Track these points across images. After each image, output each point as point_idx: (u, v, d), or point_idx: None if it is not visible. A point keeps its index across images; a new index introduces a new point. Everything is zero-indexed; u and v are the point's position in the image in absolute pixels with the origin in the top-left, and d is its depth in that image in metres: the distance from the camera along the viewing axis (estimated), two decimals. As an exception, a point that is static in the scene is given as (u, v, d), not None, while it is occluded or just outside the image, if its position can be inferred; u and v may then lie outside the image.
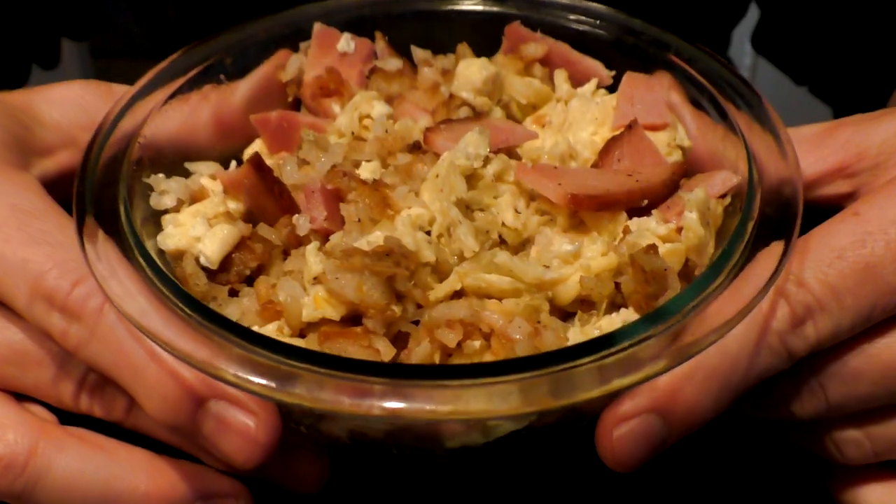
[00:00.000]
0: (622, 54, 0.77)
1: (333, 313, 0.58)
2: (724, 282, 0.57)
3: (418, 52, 0.79)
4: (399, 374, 0.51)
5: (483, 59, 0.76)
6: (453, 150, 0.65)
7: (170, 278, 0.57)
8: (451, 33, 0.81)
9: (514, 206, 0.66)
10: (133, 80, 0.72)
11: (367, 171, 0.68)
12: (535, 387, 0.51)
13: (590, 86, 0.76)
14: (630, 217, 0.65)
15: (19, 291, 0.61)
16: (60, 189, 0.69)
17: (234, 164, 0.74)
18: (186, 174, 0.71)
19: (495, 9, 0.80)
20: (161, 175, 0.68)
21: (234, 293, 0.64)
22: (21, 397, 0.65)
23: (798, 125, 0.71)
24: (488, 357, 0.58)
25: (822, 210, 0.69)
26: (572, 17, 0.78)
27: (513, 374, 0.51)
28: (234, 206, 0.67)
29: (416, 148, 0.69)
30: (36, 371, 0.64)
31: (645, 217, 0.64)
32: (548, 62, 0.79)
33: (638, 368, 0.52)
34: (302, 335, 0.61)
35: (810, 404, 0.63)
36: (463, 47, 0.79)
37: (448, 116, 0.73)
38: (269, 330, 0.60)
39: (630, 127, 0.69)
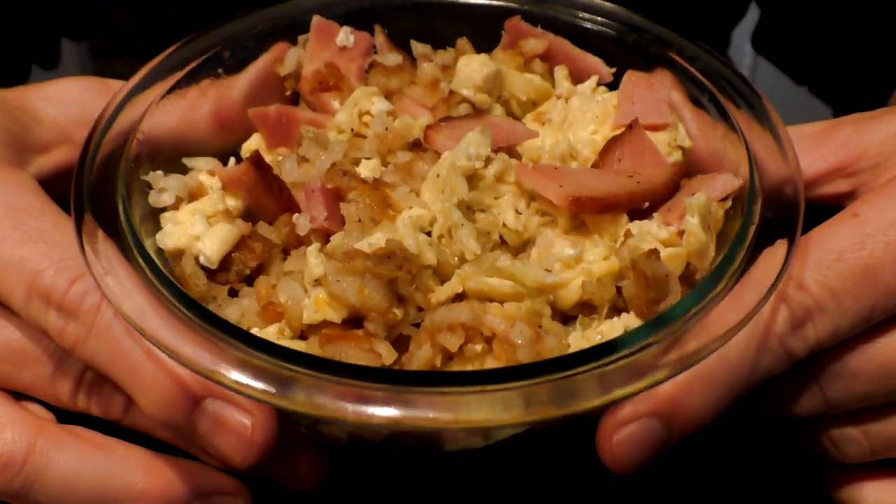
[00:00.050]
0: (623, 51, 0.76)
1: (335, 316, 0.58)
2: (726, 287, 0.57)
3: (418, 47, 0.79)
4: (400, 380, 0.51)
5: (483, 56, 0.75)
6: (454, 150, 0.65)
7: (169, 279, 0.57)
8: (450, 26, 0.80)
9: (515, 206, 0.65)
10: (133, 80, 0.72)
11: (367, 168, 0.68)
12: (537, 395, 0.51)
13: (590, 83, 0.76)
14: (631, 218, 0.65)
15: (16, 290, 0.61)
16: (57, 186, 0.69)
17: (232, 160, 0.73)
18: (184, 170, 0.71)
19: (496, 2, 0.79)
20: (159, 172, 0.68)
21: (233, 293, 0.64)
22: (19, 396, 0.65)
23: (798, 125, 0.71)
24: (490, 361, 0.58)
25: (822, 209, 0.69)
26: (573, 12, 0.78)
27: (515, 382, 0.51)
28: (232, 203, 0.67)
29: (416, 146, 0.68)
30: (33, 369, 0.64)
31: (646, 220, 0.64)
32: (548, 58, 0.78)
33: (640, 377, 0.52)
34: (303, 337, 0.61)
35: (808, 402, 0.63)
36: (463, 42, 0.79)
37: (448, 113, 0.72)
38: (270, 332, 0.59)
39: (630, 127, 0.69)
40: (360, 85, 0.75)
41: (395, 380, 0.51)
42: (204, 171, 0.70)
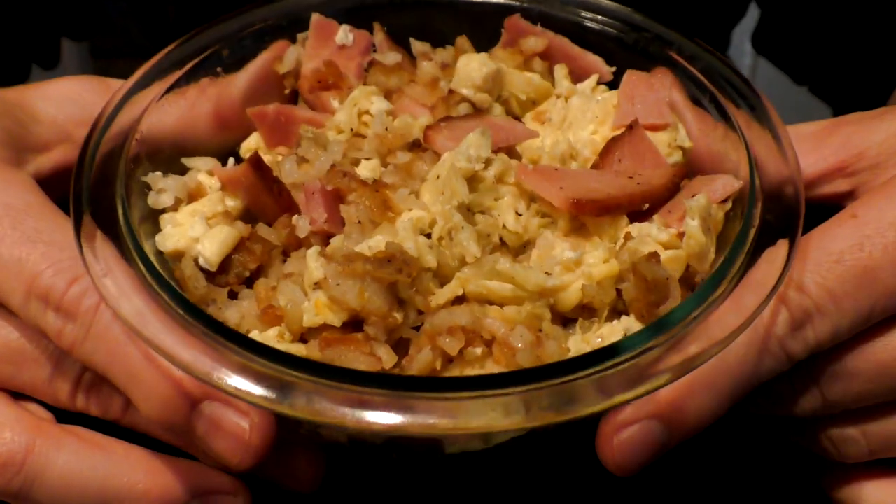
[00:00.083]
0: (624, 50, 0.76)
1: (335, 319, 0.58)
2: (726, 291, 0.57)
3: (417, 45, 0.79)
4: (400, 385, 0.51)
5: (483, 55, 0.75)
6: (454, 151, 0.65)
7: (167, 282, 0.57)
8: (450, 24, 0.80)
9: (515, 207, 0.65)
10: (133, 80, 0.71)
11: (366, 169, 0.67)
12: (538, 400, 0.51)
13: (590, 82, 0.76)
14: (631, 219, 0.65)
15: (15, 290, 0.61)
16: (57, 186, 0.69)
17: (231, 161, 0.73)
18: (183, 170, 0.71)
19: (495, 0, 0.79)
20: (158, 173, 0.68)
21: (233, 295, 0.63)
22: (18, 396, 0.65)
23: (797, 124, 0.71)
24: (490, 364, 0.58)
25: (822, 208, 0.69)
26: (573, 10, 0.78)
27: (515, 387, 0.51)
28: (232, 203, 0.67)
29: (416, 146, 0.68)
30: (32, 369, 0.64)
31: (646, 222, 0.64)
32: (548, 56, 0.78)
33: (641, 382, 0.52)
34: (303, 340, 0.61)
35: (807, 402, 0.63)
36: (462, 40, 0.78)
37: (448, 113, 0.72)
38: (270, 335, 0.59)
39: (631, 127, 0.69)
40: (359, 84, 0.75)
41: (395, 385, 0.51)
42: (203, 171, 0.70)
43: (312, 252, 0.61)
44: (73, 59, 1.47)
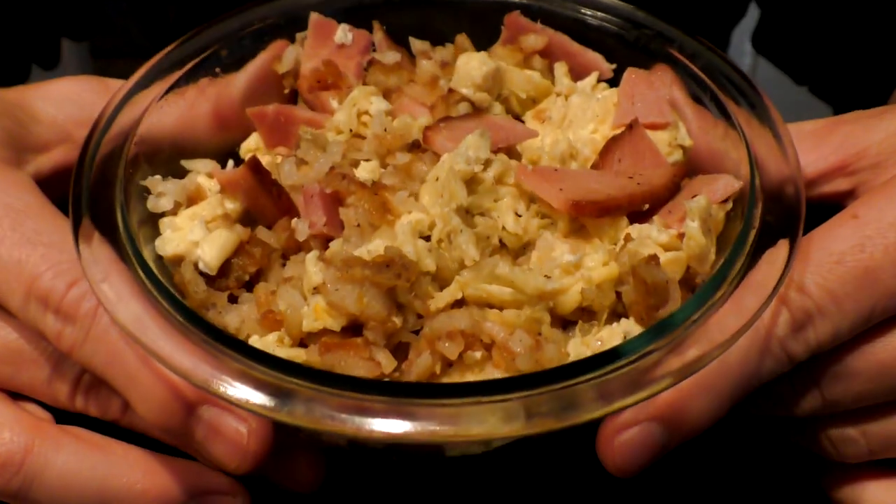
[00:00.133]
0: (624, 47, 0.76)
1: (334, 324, 0.58)
2: (727, 293, 0.57)
3: (416, 44, 0.78)
4: (400, 392, 0.51)
5: (482, 54, 0.75)
6: (453, 153, 0.65)
7: (166, 287, 0.57)
8: (449, 21, 0.80)
9: (515, 209, 0.65)
10: (133, 80, 0.71)
11: (365, 170, 0.67)
12: (538, 406, 0.51)
13: (590, 79, 0.75)
14: (631, 220, 0.65)
15: (14, 292, 0.61)
16: (56, 186, 0.69)
17: (231, 163, 0.73)
18: (183, 171, 0.71)
19: None
20: (158, 177, 0.68)
21: (233, 299, 0.63)
22: (17, 396, 0.65)
23: (798, 122, 0.71)
24: (489, 368, 0.58)
25: (821, 207, 0.69)
26: (574, 7, 0.77)
27: (515, 393, 0.51)
28: (231, 206, 0.67)
29: (415, 147, 0.68)
30: (31, 370, 0.64)
31: (646, 224, 0.63)
32: (548, 54, 0.77)
33: (641, 387, 0.52)
34: (303, 345, 0.60)
35: (807, 402, 0.63)
36: (462, 38, 0.78)
37: (447, 112, 0.72)
38: (270, 340, 0.59)
39: (631, 127, 0.69)
40: (358, 83, 0.75)
41: (395, 392, 0.51)
42: (202, 173, 0.70)
43: (311, 257, 0.61)
44: (73, 59, 1.47)
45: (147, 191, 0.67)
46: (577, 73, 0.77)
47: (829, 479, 0.68)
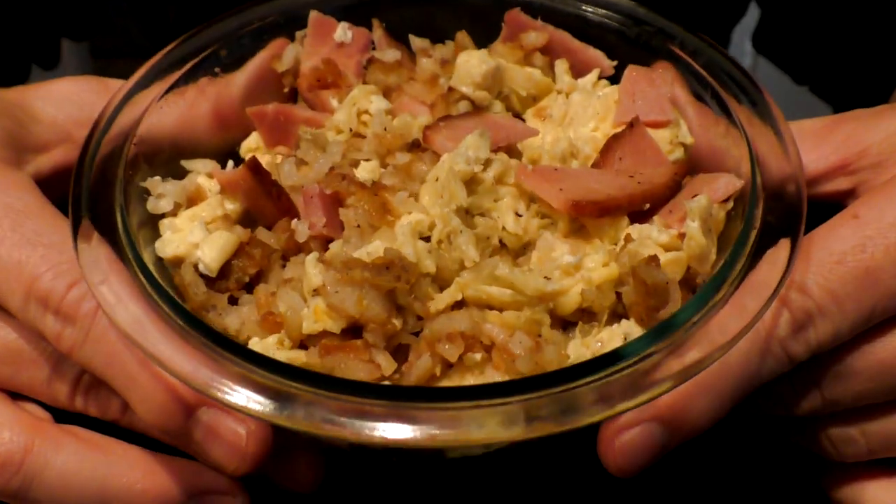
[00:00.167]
0: (625, 43, 0.75)
1: (334, 326, 0.58)
2: (727, 294, 0.57)
3: (416, 41, 0.78)
4: (400, 396, 0.51)
5: (483, 52, 0.74)
6: (453, 153, 0.64)
7: (166, 291, 0.57)
8: (449, 18, 0.79)
9: (515, 209, 0.65)
10: (132, 80, 0.71)
11: (365, 170, 0.67)
12: (538, 409, 0.51)
13: (591, 77, 0.75)
14: (631, 219, 0.65)
15: (14, 293, 0.61)
16: (56, 186, 0.69)
17: (230, 163, 0.73)
18: (183, 172, 0.71)
19: None
20: (157, 178, 0.68)
21: (233, 300, 0.63)
22: (17, 396, 0.66)
23: (799, 120, 0.70)
24: (489, 370, 0.58)
25: (820, 205, 0.69)
26: (574, 3, 0.77)
27: (516, 396, 0.51)
28: (231, 206, 0.67)
29: (415, 146, 0.68)
30: (31, 370, 0.65)
31: (646, 224, 0.63)
32: (548, 51, 0.77)
33: (642, 390, 0.52)
34: (304, 346, 0.60)
35: (806, 401, 0.63)
36: (462, 35, 0.78)
37: (447, 111, 0.72)
38: (270, 342, 0.59)
39: (631, 125, 0.68)
40: (358, 82, 0.75)
41: (394, 396, 0.51)
42: (202, 173, 0.70)
43: (311, 258, 0.61)
44: (73, 59, 1.46)
45: (147, 192, 0.67)
46: (577, 71, 0.76)
47: (828, 479, 0.68)
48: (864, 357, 0.62)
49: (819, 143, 0.69)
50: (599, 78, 0.76)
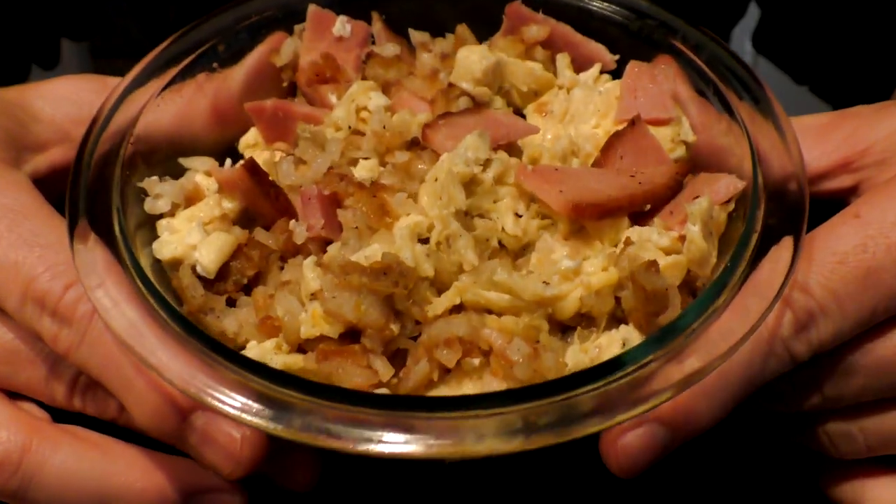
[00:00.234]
0: (627, 37, 0.75)
1: (331, 331, 0.58)
2: (728, 299, 0.56)
3: (416, 35, 0.77)
4: (397, 406, 0.51)
5: (483, 47, 0.74)
6: (452, 154, 0.64)
7: (162, 296, 0.57)
8: (450, 11, 0.78)
9: (515, 209, 0.64)
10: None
11: (364, 169, 0.67)
12: (538, 419, 0.51)
13: (593, 71, 0.74)
14: (632, 219, 0.64)
15: (11, 293, 0.61)
16: (54, 185, 0.69)
17: (228, 161, 0.72)
18: (181, 170, 0.70)
19: None
20: (155, 178, 0.67)
21: (231, 302, 0.63)
22: (15, 395, 0.66)
23: (800, 116, 0.70)
24: (487, 376, 0.58)
25: (821, 202, 0.68)
26: None
27: (514, 406, 0.51)
28: (229, 205, 0.66)
29: (414, 145, 0.67)
30: (28, 370, 0.65)
31: (647, 227, 0.63)
32: (550, 44, 0.76)
33: (642, 400, 0.52)
34: (302, 349, 0.60)
35: (806, 398, 0.63)
36: (462, 29, 0.77)
37: (447, 107, 0.71)
38: (268, 347, 0.59)
39: (633, 123, 0.68)
40: (357, 77, 0.74)
41: (391, 405, 0.51)
42: (200, 171, 0.69)
43: (309, 262, 0.60)
44: (73, 59, 1.46)
45: (144, 192, 0.67)
46: (579, 65, 0.76)
47: (828, 477, 0.68)
48: (864, 355, 0.62)
49: (821, 140, 0.68)
50: (601, 72, 0.75)
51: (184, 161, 0.71)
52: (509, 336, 0.58)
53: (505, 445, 0.50)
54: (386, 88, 0.73)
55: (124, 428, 0.65)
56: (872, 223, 0.60)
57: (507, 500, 0.71)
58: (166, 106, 0.70)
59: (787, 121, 0.66)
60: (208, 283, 0.63)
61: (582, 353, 0.58)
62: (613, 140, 0.67)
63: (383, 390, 0.58)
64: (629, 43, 0.75)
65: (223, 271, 0.63)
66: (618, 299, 0.60)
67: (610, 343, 0.58)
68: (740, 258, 0.58)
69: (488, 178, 0.64)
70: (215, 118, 0.73)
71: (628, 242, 0.61)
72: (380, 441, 0.50)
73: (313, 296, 0.59)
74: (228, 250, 0.63)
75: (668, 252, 0.61)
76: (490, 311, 0.60)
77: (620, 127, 0.69)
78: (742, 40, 1.29)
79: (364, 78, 0.74)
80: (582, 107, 0.71)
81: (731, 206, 0.64)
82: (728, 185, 0.64)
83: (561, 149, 0.68)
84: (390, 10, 0.78)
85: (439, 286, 0.61)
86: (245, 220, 0.67)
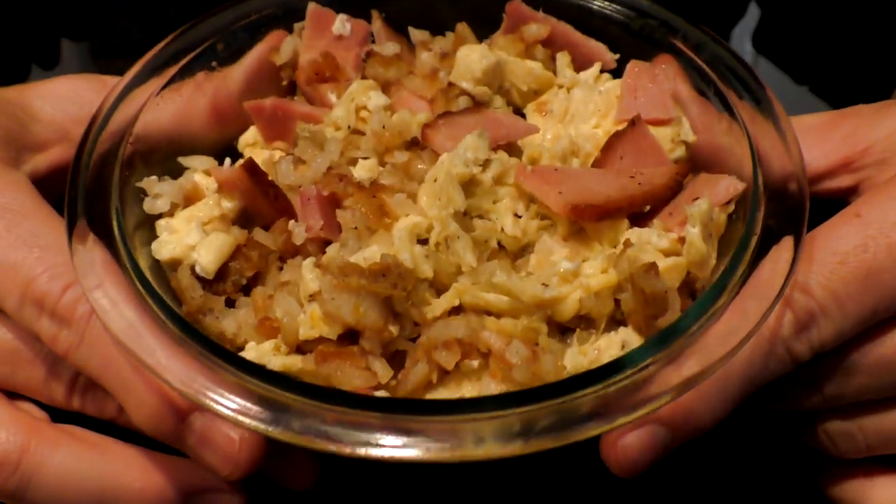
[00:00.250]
0: (628, 36, 0.74)
1: (330, 332, 0.58)
2: (727, 301, 0.56)
3: (416, 34, 0.77)
4: (395, 409, 0.51)
5: (483, 47, 0.73)
6: (451, 154, 0.64)
7: (161, 297, 0.57)
8: (450, 9, 0.78)
9: (514, 209, 0.64)
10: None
11: (364, 169, 0.66)
12: (536, 422, 0.51)
13: (593, 70, 0.74)
14: (632, 220, 0.64)
15: (10, 294, 0.61)
16: (54, 185, 0.69)
17: (228, 160, 0.72)
18: (180, 169, 0.70)
19: None
20: (154, 178, 0.67)
21: (230, 302, 0.63)
22: (14, 395, 0.66)
23: (800, 115, 0.70)
24: (486, 377, 0.58)
25: (822, 202, 0.68)
26: None
27: (513, 409, 0.51)
28: (228, 205, 0.66)
29: (414, 144, 0.67)
30: (27, 370, 0.65)
31: (646, 229, 0.63)
32: (550, 43, 0.76)
33: (642, 404, 0.52)
34: (301, 350, 0.60)
35: (806, 396, 0.63)
36: (462, 27, 0.77)
37: (447, 106, 0.71)
38: (266, 348, 0.59)
39: (633, 123, 0.67)
40: (357, 76, 0.74)
41: (390, 408, 0.51)
42: (200, 170, 0.69)
43: (307, 263, 0.60)
44: (73, 59, 1.45)
45: (143, 192, 0.66)
46: (579, 64, 0.76)
47: (829, 477, 0.68)
48: (865, 354, 0.62)
49: (821, 139, 0.68)
50: (602, 71, 0.75)
51: (183, 160, 0.70)
52: (508, 338, 0.58)
53: (503, 449, 0.50)
54: (386, 87, 0.73)
55: (123, 428, 0.65)
56: (873, 223, 0.60)
57: (507, 500, 0.71)
58: (165, 105, 0.70)
59: (787, 121, 0.66)
60: (207, 284, 0.63)
61: (581, 355, 0.58)
62: (613, 140, 0.67)
63: (382, 392, 0.58)
64: (630, 42, 0.74)
65: (222, 272, 0.63)
66: (617, 301, 0.60)
67: (609, 345, 0.58)
68: (740, 260, 0.58)
69: (488, 178, 0.64)
70: (214, 117, 0.73)
71: (628, 244, 0.61)
72: (378, 444, 0.50)
73: (312, 297, 0.59)
74: (227, 251, 0.63)
75: (667, 254, 0.61)
76: (489, 313, 0.60)
77: (620, 127, 0.68)
78: (742, 40, 1.29)
79: (364, 76, 0.74)
80: (582, 106, 0.71)
81: (731, 208, 0.64)
82: (728, 187, 0.64)
83: (561, 149, 0.68)
84: (390, 9, 0.78)
85: (438, 287, 0.61)
86: (244, 220, 0.67)
